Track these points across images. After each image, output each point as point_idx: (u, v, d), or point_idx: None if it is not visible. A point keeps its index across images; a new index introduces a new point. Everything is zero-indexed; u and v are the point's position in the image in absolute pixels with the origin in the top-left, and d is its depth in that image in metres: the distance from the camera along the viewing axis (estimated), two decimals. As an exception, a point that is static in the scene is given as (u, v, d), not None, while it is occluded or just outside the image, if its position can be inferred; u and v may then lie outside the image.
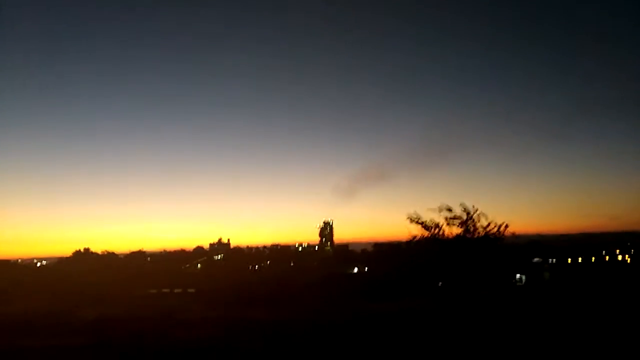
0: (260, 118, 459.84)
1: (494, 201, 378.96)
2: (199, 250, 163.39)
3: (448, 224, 35.69)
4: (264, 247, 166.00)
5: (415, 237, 36.23)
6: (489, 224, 35.18)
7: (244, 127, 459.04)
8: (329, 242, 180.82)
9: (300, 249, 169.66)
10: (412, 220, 35.66)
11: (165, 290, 79.18)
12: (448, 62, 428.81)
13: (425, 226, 35.85)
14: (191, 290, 77.71)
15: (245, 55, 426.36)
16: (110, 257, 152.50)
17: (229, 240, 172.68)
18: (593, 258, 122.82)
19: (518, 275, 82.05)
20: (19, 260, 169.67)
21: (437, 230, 35.84)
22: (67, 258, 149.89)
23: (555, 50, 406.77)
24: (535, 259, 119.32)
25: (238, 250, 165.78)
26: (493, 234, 35.39)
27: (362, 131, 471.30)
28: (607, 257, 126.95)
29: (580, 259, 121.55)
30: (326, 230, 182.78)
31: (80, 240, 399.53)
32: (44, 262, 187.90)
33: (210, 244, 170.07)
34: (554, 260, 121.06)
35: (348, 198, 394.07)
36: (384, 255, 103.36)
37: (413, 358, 25.57)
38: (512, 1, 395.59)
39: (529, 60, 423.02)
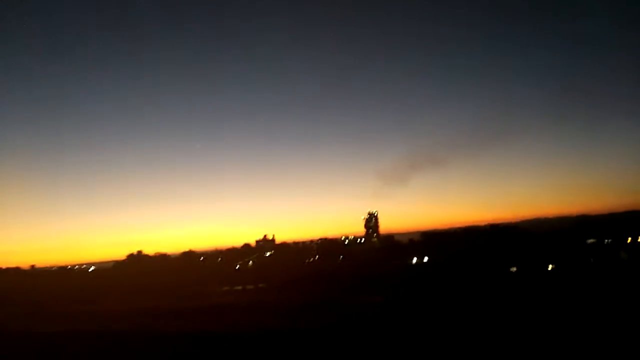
0: (302, 109, 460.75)
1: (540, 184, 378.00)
2: (246, 247, 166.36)
3: None
4: (311, 241, 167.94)
5: None
6: None
7: (286, 121, 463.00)
8: (375, 234, 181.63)
9: (346, 241, 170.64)
10: None
11: (237, 287, 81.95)
12: (502, 45, 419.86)
13: None
14: (262, 285, 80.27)
15: (284, 49, 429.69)
16: (162, 258, 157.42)
17: (273, 236, 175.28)
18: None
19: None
20: (75, 267, 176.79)
21: None
22: (122, 261, 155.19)
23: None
24: (590, 240, 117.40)
25: (285, 245, 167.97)
26: None
27: (404, 120, 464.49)
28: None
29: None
30: (371, 221, 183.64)
31: (129, 243, 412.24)
32: (93, 268, 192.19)
33: (257, 241, 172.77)
34: (610, 240, 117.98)
35: (392, 187, 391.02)
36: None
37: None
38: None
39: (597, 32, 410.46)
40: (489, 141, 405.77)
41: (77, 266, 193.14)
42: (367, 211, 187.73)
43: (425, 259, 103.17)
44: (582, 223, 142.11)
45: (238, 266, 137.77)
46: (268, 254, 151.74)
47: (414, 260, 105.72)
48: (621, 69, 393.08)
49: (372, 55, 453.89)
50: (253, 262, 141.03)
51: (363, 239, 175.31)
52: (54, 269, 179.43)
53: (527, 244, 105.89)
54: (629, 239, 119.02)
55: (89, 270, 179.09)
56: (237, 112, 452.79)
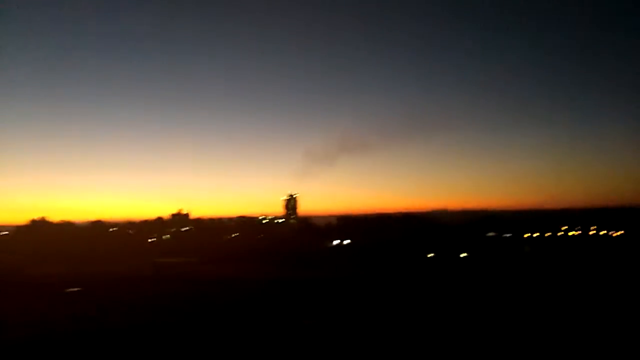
0: (225, 84, 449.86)
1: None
2: (159, 221, 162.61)
3: None
4: (229, 218, 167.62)
5: None
6: None
7: (207, 97, 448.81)
8: (293, 215, 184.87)
9: (265, 220, 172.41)
10: None
11: (171, 259, 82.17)
12: (433, 37, 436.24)
13: None
14: (193, 259, 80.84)
15: (214, 24, 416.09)
16: (68, 226, 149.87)
17: (188, 212, 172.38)
18: (550, 233, 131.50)
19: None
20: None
21: None
22: (24, 226, 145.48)
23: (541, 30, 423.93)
24: (490, 234, 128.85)
25: (200, 221, 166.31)
26: None
27: (334, 103, 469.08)
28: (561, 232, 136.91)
29: (539, 234, 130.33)
30: (291, 202, 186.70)
31: (34, 209, 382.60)
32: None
33: (172, 214, 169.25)
34: (510, 235, 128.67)
35: (313, 169, 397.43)
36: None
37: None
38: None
39: (513, 41, 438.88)
40: (412, 133, 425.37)
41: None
42: (287, 192, 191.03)
43: (347, 241, 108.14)
44: (488, 217, 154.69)
45: (153, 239, 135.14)
46: (184, 229, 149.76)
47: (335, 242, 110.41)
48: (525, 74, 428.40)
49: (310, 35, 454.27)
50: (170, 235, 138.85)
51: (282, 220, 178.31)
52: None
53: (439, 233, 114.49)
54: (528, 234, 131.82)
55: None
56: (159, 80, 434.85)
